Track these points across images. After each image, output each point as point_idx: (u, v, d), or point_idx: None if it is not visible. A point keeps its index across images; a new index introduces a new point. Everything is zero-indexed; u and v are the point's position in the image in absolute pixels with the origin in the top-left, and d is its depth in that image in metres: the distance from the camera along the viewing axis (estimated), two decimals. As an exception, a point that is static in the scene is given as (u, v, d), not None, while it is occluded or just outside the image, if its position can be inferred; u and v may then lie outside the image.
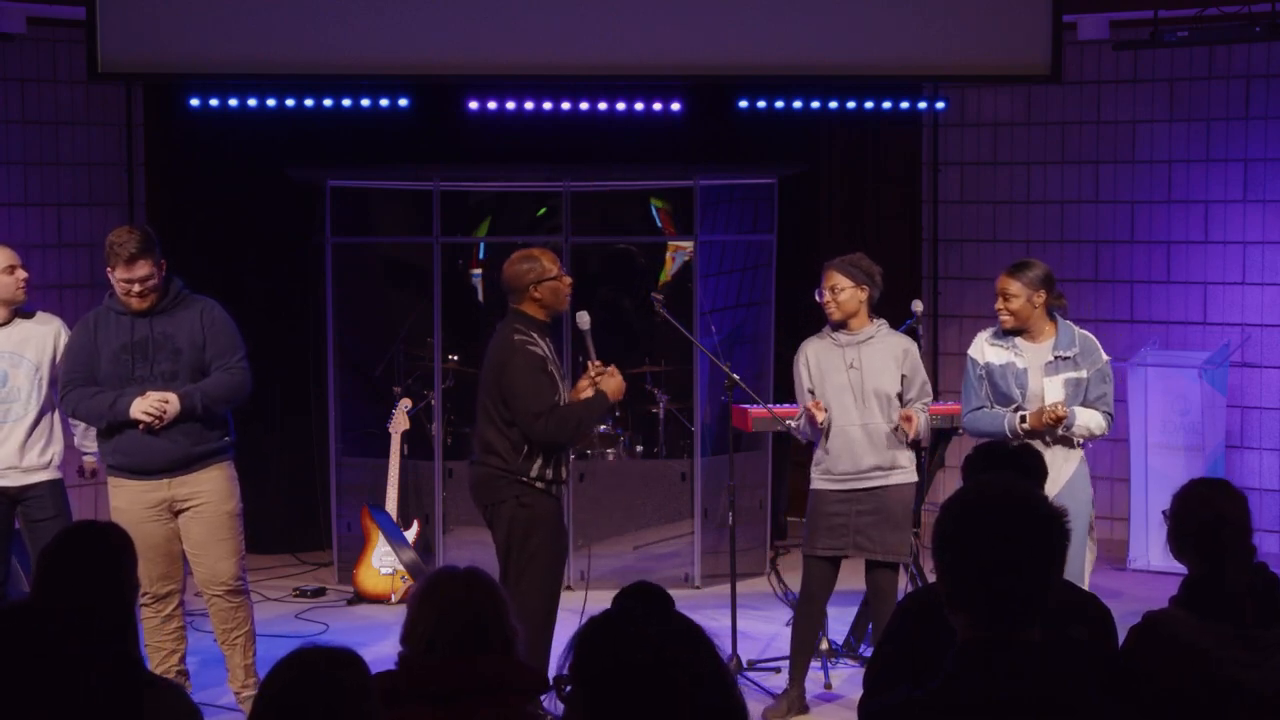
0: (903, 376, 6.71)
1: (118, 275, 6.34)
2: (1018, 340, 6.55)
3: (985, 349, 6.61)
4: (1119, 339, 9.65)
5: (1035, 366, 6.50)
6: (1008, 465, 4.44)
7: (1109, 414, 6.51)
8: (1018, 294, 6.50)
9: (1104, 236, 9.92)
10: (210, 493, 6.45)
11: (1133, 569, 9.13)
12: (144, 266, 6.33)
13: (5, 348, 6.69)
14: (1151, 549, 9.04)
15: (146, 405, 6.29)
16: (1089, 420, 6.43)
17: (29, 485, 6.69)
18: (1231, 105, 9.55)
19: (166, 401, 6.29)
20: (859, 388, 6.66)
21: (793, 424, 6.97)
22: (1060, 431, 6.40)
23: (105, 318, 6.44)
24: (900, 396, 6.71)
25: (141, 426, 6.29)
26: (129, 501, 6.41)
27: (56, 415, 6.79)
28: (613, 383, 6.46)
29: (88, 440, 6.90)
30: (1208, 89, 9.63)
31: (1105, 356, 6.60)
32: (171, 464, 6.38)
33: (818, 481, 6.77)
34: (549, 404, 6.28)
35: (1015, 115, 10.15)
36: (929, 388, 6.84)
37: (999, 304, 6.56)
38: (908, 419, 6.62)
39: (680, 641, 2.49)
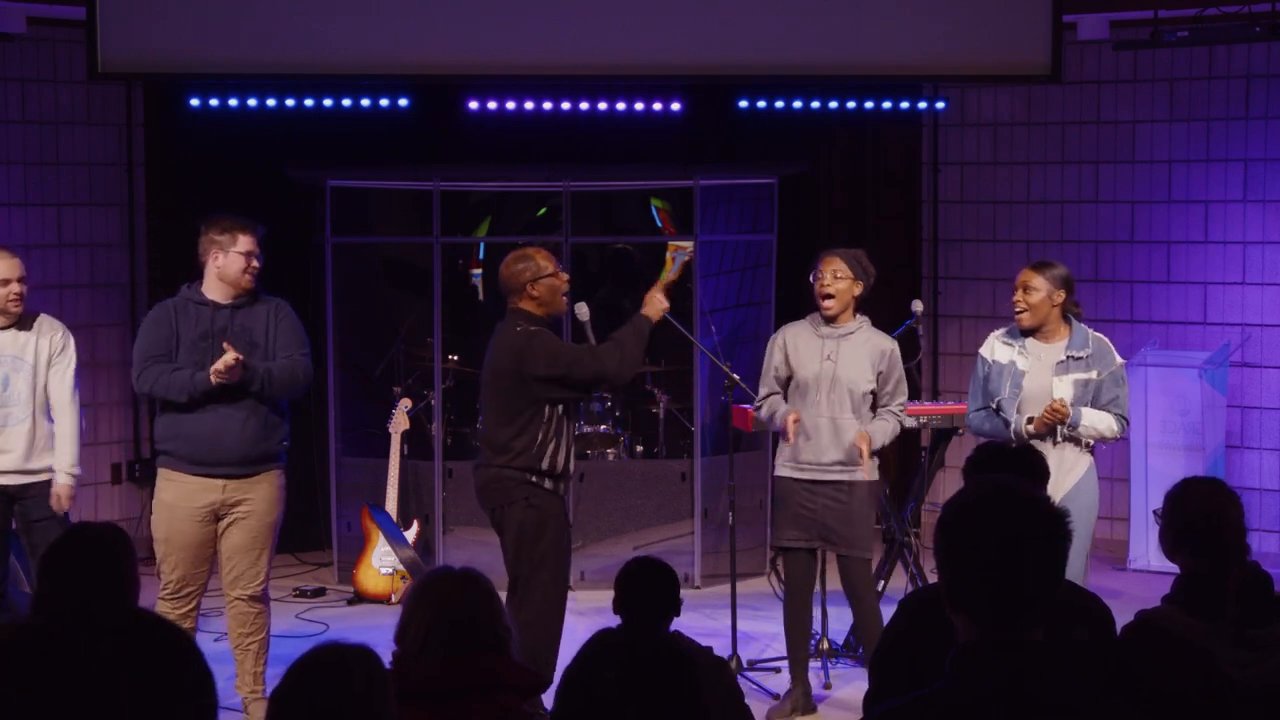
0: (879, 374, 6.70)
1: (239, 249, 6.39)
2: (1028, 341, 6.54)
3: (995, 346, 6.61)
4: (1119, 339, 9.61)
5: (1046, 367, 6.48)
6: (1009, 465, 4.43)
7: (1122, 417, 6.47)
8: (1039, 288, 6.48)
9: (1104, 236, 9.91)
10: (260, 501, 6.45)
11: (1133, 569, 9.13)
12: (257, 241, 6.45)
13: (7, 352, 6.71)
14: (1151, 549, 9.03)
15: (223, 359, 6.21)
16: (1096, 422, 6.39)
17: (28, 485, 6.72)
18: (1231, 105, 9.55)
19: (238, 357, 6.21)
20: (831, 380, 6.66)
21: (763, 414, 6.87)
22: (1065, 431, 6.38)
23: (184, 308, 6.44)
24: (875, 395, 6.71)
25: (215, 378, 6.19)
26: (177, 496, 6.38)
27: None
28: (655, 303, 6.64)
29: (64, 457, 6.81)
30: (1208, 89, 9.63)
31: (1119, 360, 6.58)
32: (232, 458, 6.35)
33: (782, 469, 6.78)
34: (588, 348, 6.46)
35: (1015, 115, 10.15)
36: (904, 388, 6.78)
37: (1017, 297, 6.52)
38: (863, 443, 6.55)
39: (648, 681, 2.73)
